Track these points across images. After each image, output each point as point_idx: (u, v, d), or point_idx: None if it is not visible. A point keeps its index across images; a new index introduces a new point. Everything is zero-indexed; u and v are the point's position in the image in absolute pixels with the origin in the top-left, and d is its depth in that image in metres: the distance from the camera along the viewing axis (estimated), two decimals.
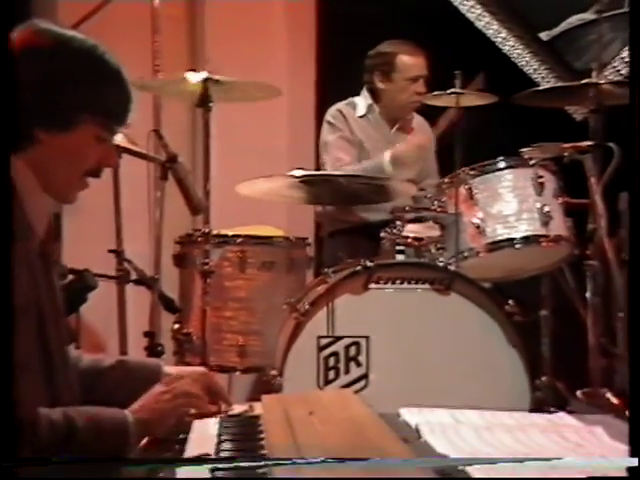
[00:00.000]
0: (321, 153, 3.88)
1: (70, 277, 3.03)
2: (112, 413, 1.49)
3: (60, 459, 1.11)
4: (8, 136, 1.33)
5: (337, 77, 4.33)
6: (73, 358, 1.65)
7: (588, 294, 3.23)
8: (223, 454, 1.36)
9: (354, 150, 3.78)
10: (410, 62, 3.80)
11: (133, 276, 3.53)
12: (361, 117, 3.89)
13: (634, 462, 0.93)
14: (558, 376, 3.27)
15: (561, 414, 1.61)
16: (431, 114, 3.96)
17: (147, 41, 3.84)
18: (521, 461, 0.98)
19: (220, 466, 1.16)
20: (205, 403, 1.60)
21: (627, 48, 4.42)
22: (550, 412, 1.68)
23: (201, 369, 1.87)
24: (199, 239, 3.22)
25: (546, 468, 0.94)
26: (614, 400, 2.99)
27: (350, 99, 3.93)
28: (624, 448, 1.29)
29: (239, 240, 3.35)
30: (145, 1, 3.82)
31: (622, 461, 0.96)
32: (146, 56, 3.77)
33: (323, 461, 1.02)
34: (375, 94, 3.90)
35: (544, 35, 4.55)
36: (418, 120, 3.96)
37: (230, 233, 3.38)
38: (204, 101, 3.16)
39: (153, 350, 3.47)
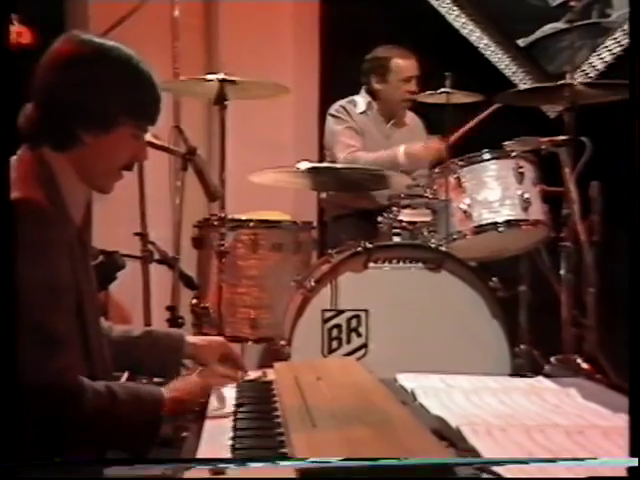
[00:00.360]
0: (328, 144, 3.86)
1: (101, 258, 3.04)
2: (150, 389, 1.49)
3: (60, 460, 1.05)
4: (7, 137, 1.31)
5: (339, 77, 4.32)
6: (105, 329, 1.66)
7: (562, 271, 3.23)
8: (241, 416, 1.38)
9: (361, 139, 3.77)
10: (403, 64, 3.79)
11: (156, 256, 3.53)
12: (361, 113, 3.88)
13: (634, 462, 0.88)
14: (535, 344, 3.28)
15: (539, 378, 1.61)
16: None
17: (168, 47, 3.83)
18: (553, 461, 0.92)
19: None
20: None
21: (595, 54, 4.47)
22: (528, 376, 1.68)
23: (219, 339, 1.87)
24: (215, 223, 3.21)
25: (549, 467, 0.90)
26: (584, 365, 3.00)
27: (351, 97, 3.92)
28: (596, 407, 1.32)
29: (251, 224, 3.35)
30: (166, 11, 3.82)
31: (622, 461, 0.90)
32: (167, 60, 3.76)
33: (346, 460, 0.95)
34: (373, 94, 3.90)
35: (521, 42, 4.55)
36: (411, 116, 3.95)
37: (243, 217, 3.37)
38: (220, 99, 3.16)
39: (174, 322, 3.48)
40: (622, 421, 1.21)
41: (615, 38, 4.48)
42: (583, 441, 1.07)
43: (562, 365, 2.90)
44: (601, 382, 1.58)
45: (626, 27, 4.44)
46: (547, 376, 1.61)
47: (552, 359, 3.05)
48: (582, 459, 0.88)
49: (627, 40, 4.44)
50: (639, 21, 1.12)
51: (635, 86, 1.10)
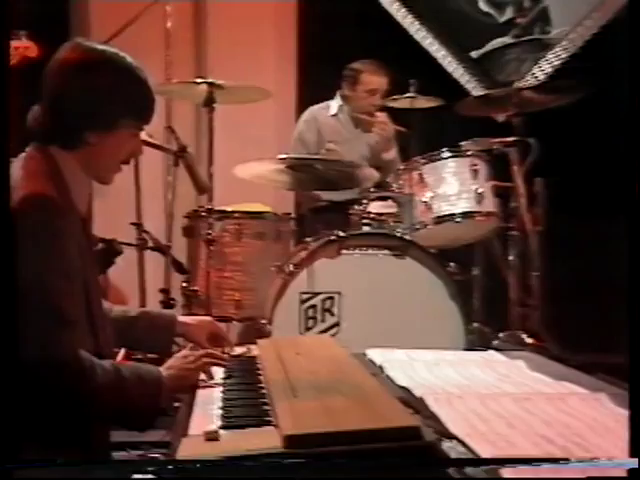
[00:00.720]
0: (295, 143, 3.88)
1: (100, 245, 3.02)
2: (149, 367, 1.47)
3: (60, 460, 0.97)
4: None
5: (314, 82, 4.31)
6: (106, 310, 1.65)
7: (510, 257, 3.25)
8: (229, 387, 1.37)
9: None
10: (371, 79, 3.82)
11: (150, 244, 3.52)
12: (332, 116, 3.91)
13: (634, 462, 0.82)
14: (486, 322, 3.29)
15: (490, 352, 1.61)
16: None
17: (161, 55, 3.81)
18: (553, 461, 0.84)
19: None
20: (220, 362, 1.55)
21: (537, 66, 4.53)
22: (481, 350, 1.69)
23: (208, 318, 1.86)
24: (204, 214, 3.18)
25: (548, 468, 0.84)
26: (528, 340, 3.03)
27: (326, 102, 3.95)
28: (540, 377, 1.32)
29: (236, 215, 3.32)
30: (159, 23, 3.79)
31: (622, 461, 0.84)
32: (160, 67, 3.74)
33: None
34: (344, 99, 3.93)
35: (474, 54, 4.57)
36: (383, 121, 3.92)
37: (229, 209, 3.34)
38: (208, 102, 3.13)
39: (167, 303, 3.46)
40: (564, 388, 1.23)
41: (554, 52, 4.53)
42: (530, 407, 1.07)
43: (510, 340, 2.93)
44: (544, 354, 1.59)
45: (564, 43, 4.50)
46: (497, 350, 1.62)
47: (501, 335, 3.09)
48: (582, 460, 0.84)
49: (565, 54, 4.50)
50: (639, 21, 1.07)
51: (635, 86, 1.04)
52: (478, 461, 0.85)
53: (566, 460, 0.84)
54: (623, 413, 1.04)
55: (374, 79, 3.82)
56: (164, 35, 3.86)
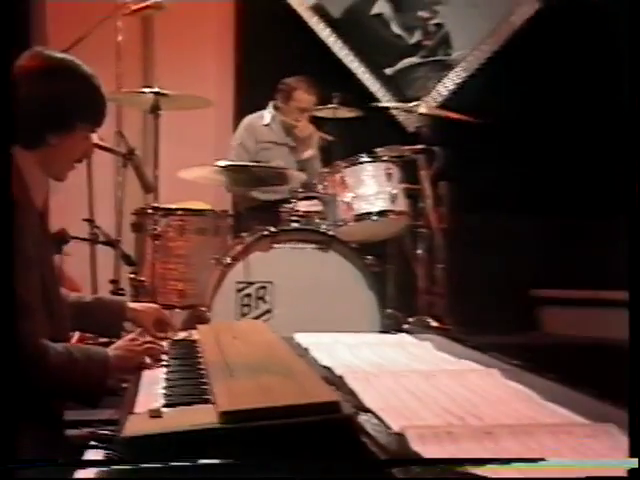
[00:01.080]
0: (238, 149, 3.84)
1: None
2: (97, 348, 1.44)
3: (60, 461, 0.92)
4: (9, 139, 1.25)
5: (249, 92, 4.27)
6: (63, 296, 1.60)
7: (419, 251, 3.32)
8: (172, 369, 1.34)
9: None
10: (303, 97, 3.78)
11: (101, 238, 3.43)
12: (265, 125, 3.85)
13: (634, 462, 0.74)
14: (399, 308, 3.34)
15: (402, 334, 1.63)
16: None
17: (113, 66, 3.73)
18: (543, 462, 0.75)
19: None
20: (161, 349, 1.51)
21: (441, 84, 4.63)
22: (394, 333, 1.71)
23: (154, 305, 1.82)
24: (150, 211, 3.13)
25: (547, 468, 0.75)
26: (434, 323, 3.09)
27: (260, 112, 3.89)
28: (444, 356, 1.34)
29: (180, 212, 3.27)
30: (111, 37, 3.70)
31: (622, 461, 0.76)
32: (112, 76, 3.65)
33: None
34: (277, 109, 3.89)
35: (388, 71, 4.63)
36: (311, 130, 3.89)
37: (173, 207, 3.29)
38: (154, 109, 3.08)
39: (116, 293, 3.38)
40: (463, 365, 1.25)
41: (456, 72, 4.66)
42: (435, 382, 1.09)
43: (419, 324, 2.99)
44: (447, 336, 1.61)
45: (464, 64, 4.63)
46: (408, 333, 1.64)
47: (411, 319, 3.14)
48: (582, 460, 0.78)
49: (465, 73, 4.62)
50: (639, 21, 1.01)
51: (634, 90, 0.98)
52: (454, 461, 0.75)
53: (566, 460, 0.77)
54: (513, 386, 1.07)
55: (305, 97, 3.78)
56: (115, 48, 3.77)
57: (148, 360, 1.42)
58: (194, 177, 3.20)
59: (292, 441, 0.88)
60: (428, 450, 0.77)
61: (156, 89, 3.07)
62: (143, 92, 3.12)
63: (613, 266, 4.14)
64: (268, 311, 2.85)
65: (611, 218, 3.04)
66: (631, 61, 0.99)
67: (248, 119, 3.90)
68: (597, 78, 4.33)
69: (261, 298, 2.85)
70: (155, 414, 0.98)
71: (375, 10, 4.63)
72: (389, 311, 3.06)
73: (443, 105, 4.32)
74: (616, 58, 3.78)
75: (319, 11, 4.54)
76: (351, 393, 1.03)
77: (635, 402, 0.84)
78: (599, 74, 4.32)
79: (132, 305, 1.73)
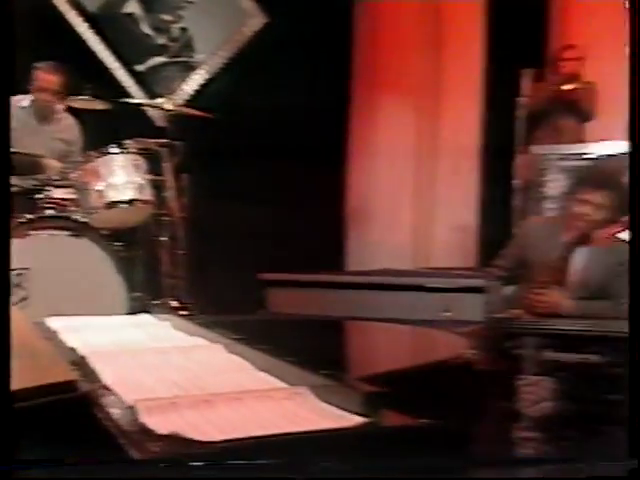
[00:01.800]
0: None
1: None
2: None
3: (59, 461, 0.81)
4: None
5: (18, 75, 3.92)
6: None
7: (163, 238, 3.38)
8: None
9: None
10: (43, 77, 3.59)
11: None
12: (22, 108, 3.62)
13: (634, 462, 0.70)
14: (145, 291, 3.36)
15: (146, 315, 1.64)
16: None
17: None
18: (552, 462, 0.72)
19: None
20: None
21: (185, 83, 4.73)
22: (139, 314, 1.75)
23: None
24: None
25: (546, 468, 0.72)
26: (174, 304, 3.20)
27: (23, 95, 3.63)
28: (181, 335, 1.38)
29: None
30: None
31: (622, 462, 0.72)
32: None
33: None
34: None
35: (139, 67, 4.62)
36: (65, 116, 3.75)
37: None
38: None
39: None
40: (194, 342, 1.30)
41: (198, 73, 4.81)
42: (167, 358, 1.12)
43: (161, 306, 3.07)
44: (185, 317, 1.70)
45: (205, 66, 4.78)
46: (152, 314, 1.67)
47: (155, 302, 3.22)
48: (582, 460, 0.73)
49: (207, 75, 4.78)
50: (639, 21, 0.97)
51: (634, 91, 0.95)
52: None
53: (565, 461, 0.74)
54: (234, 359, 1.12)
55: (46, 77, 3.61)
56: None
57: None
58: None
59: (30, 423, 0.86)
60: (153, 421, 0.79)
61: None
62: None
63: (325, 251, 4.64)
64: (25, 298, 2.76)
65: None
66: (631, 61, 0.96)
67: (12, 100, 3.57)
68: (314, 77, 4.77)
69: (18, 285, 2.75)
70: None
71: (127, 9, 4.58)
72: (136, 294, 3.10)
73: (187, 103, 4.44)
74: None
75: (76, 5, 4.40)
76: (92, 372, 1.04)
77: (635, 402, 0.80)
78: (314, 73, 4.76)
79: None
